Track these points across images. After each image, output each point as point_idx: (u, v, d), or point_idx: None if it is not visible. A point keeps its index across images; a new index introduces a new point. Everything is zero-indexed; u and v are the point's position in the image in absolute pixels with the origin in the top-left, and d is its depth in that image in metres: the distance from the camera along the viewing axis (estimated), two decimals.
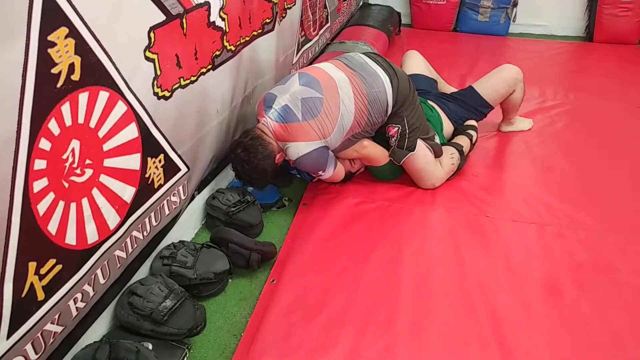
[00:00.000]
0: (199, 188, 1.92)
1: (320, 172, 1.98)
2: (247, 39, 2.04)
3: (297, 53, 2.72)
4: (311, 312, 1.58)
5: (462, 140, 2.28)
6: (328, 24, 3.29)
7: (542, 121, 2.77)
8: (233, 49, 1.93)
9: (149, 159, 1.49)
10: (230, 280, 1.74)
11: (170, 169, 1.63)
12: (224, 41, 1.85)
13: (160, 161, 1.57)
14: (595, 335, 1.49)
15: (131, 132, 1.39)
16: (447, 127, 2.32)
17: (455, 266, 1.77)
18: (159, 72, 1.46)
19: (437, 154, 2.12)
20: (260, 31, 2.15)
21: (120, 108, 1.32)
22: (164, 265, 1.61)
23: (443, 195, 2.13)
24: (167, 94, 1.54)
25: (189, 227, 1.89)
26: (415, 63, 2.47)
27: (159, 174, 1.57)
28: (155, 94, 1.48)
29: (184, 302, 1.49)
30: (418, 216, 2.03)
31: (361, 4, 4.29)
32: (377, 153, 2.11)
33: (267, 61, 2.29)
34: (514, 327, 1.52)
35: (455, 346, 1.47)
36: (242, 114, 2.13)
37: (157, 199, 1.59)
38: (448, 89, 2.63)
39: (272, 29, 2.27)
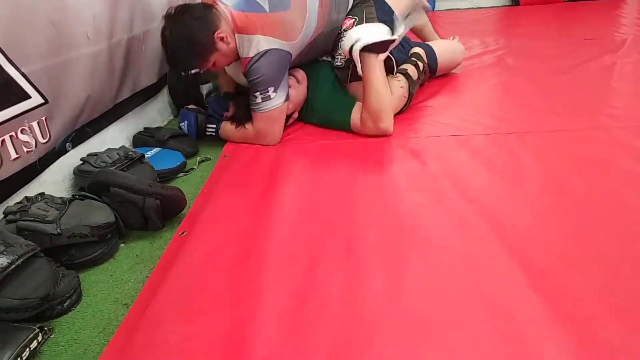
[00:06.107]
0: (74, 140, 1.41)
1: (271, 90, 1.57)
2: None
3: None
4: (236, 257, 1.08)
5: (406, 65, 1.92)
6: None
7: (491, 60, 2.48)
8: None
9: None
10: (122, 245, 1.21)
11: (8, 89, 1.13)
12: None
13: None
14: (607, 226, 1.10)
15: None
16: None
17: (428, 180, 1.34)
18: None
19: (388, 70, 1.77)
20: None
21: None
22: (9, 222, 1.08)
23: (396, 124, 1.72)
24: None
25: (61, 191, 1.36)
26: None
27: None
28: None
29: (34, 262, 0.96)
30: (372, 147, 1.60)
31: None
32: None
33: (159, 4, 1.87)
34: (519, 230, 1.09)
35: (455, 258, 1.02)
36: (132, 58, 1.68)
37: None
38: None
39: None
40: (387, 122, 1.64)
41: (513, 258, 0.99)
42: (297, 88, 1.74)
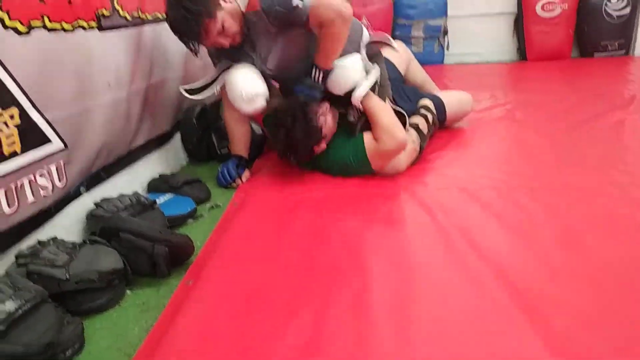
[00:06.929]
0: (88, 184, 1.44)
1: None
2: (147, 16, 1.72)
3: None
4: (242, 308, 1.08)
5: (416, 119, 1.95)
6: None
7: (500, 113, 2.52)
8: (128, 17, 1.58)
9: None
10: (128, 292, 1.21)
11: (31, 134, 1.17)
12: (115, 3, 1.51)
13: (12, 117, 1.11)
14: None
15: None
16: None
17: (437, 234, 1.33)
18: None
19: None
20: (163, 17, 1.82)
21: None
22: (20, 266, 1.08)
23: (405, 176, 1.74)
24: (21, 27, 1.13)
25: (72, 235, 1.37)
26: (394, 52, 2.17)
27: (11, 135, 1.11)
28: (1, 20, 1.08)
29: (41, 307, 0.96)
30: (379, 198, 1.61)
31: None
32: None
33: (176, 54, 1.94)
34: (532, 287, 1.08)
35: (466, 315, 1.00)
36: (148, 106, 1.73)
37: (9, 173, 1.11)
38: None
39: None
40: (402, 134, 1.69)
41: (526, 316, 0.98)
42: (332, 118, 1.77)
